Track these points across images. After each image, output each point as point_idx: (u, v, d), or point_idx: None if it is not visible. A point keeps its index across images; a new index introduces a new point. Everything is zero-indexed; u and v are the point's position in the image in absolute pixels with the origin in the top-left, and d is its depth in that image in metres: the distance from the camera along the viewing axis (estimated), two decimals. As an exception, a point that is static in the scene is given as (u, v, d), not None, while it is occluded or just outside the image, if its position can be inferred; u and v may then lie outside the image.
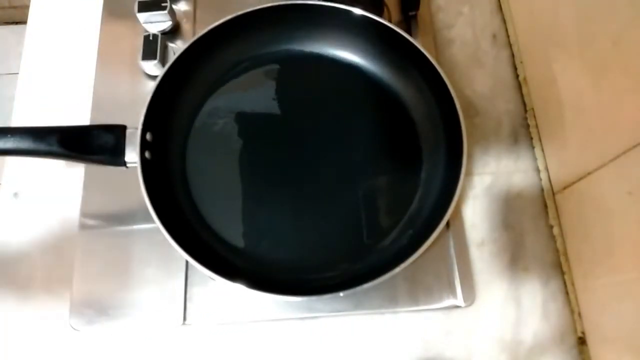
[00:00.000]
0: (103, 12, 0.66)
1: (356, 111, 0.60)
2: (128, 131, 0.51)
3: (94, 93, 0.61)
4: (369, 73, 0.62)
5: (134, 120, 0.51)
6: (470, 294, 0.53)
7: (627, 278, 0.44)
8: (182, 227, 0.50)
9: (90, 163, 0.51)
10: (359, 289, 0.47)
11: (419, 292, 0.53)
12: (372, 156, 0.58)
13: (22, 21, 0.90)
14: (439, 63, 0.55)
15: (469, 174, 0.59)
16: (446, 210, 0.49)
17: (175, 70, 0.55)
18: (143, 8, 0.61)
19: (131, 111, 0.53)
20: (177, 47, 0.63)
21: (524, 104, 0.62)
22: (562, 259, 0.55)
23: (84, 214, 0.56)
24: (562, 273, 0.55)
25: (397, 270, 0.47)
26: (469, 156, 0.55)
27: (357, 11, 0.57)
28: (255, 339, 0.52)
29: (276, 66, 0.61)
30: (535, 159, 0.60)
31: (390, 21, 0.59)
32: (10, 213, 0.57)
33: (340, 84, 0.61)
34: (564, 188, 0.54)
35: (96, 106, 0.61)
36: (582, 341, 0.52)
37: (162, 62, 0.60)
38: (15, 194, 0.58)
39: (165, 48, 0.62)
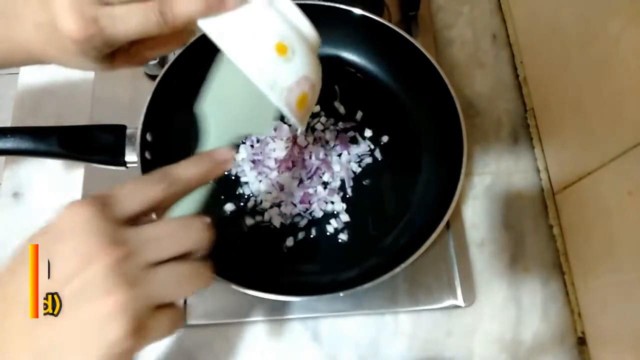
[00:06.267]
0: (103, 12, 0.66)
1: (355, 111, 0.60)
2: (128, 131, 0.51)
3: (94, 93, 0.61)
4: (369, 73, 0.62)
5: (134, 120, 0.51)
6: (470, 294, 0.53)
7: (627, 278, 0.44)
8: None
9: (91, 163, 0.51)
10: (359, 289, 0.47)
11: (419, 292, 0.53)
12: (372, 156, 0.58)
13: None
14: (439, 63, 0.55)
15: (469, 174, 0.59)
16: (446, 210, 0.49)
17: (175, 70, 0.55)
18: (143, 8, 0.61)
19: (131, 111, 0.53)
20: (177, 47, 0.63)
21: (524, 104, 0.62)
22: (562, 259, 0.55)
23: (84, 214, 0.56)
24: (562, 273, 0.55)
25: (397, 270, 0.47)
26: (469, 156, 0.55)
27: (357, 11, 0.57)
28: (255, 339, 0.52)
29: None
30: (535, 159, 0.60)
31: (390, 21, 0.59)
32: (10, 213, 0.57)
33: (340, 84, 0.61)
34: (564, 188, 0.54)
35: (96, 106, 0.61)
36: (582, 341, 0.52)
37: (162, 62, 0.60)
38: (15, 194, 0.58)
39: (165, 48, 0.62)
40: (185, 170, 0.32)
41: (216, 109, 0.35)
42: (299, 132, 0.56)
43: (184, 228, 0.30)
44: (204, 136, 0.35)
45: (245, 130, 0.37)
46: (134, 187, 0.30)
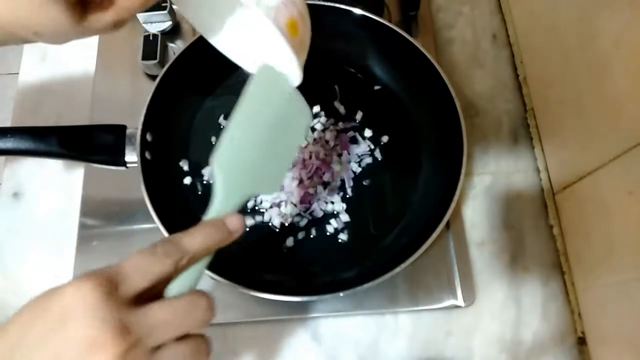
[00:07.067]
0: (103, 12, 0.66)
1: (355, 111, 0.60)
2: (128, 131, 0.51)
3: (94, 93, 0.61)
4: (369, 73, 0.62)
5: (134, 120, 0.51)
6: (470, 294, 0.53)
7: (627, 278, 0.44)
8: (182, 227, 0.50)
9: (91, 163, 0.51)
10: (359, 289, 0.47)
11: (419, 292, 0.53)
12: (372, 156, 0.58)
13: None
14: (439, 63, 0.55)
15: (469, 174, 0.59)
16: (446, 210, 0.49)
17: (175, 70, 0.55)
18: (143, 8, 0.61)
19: (131, 111, 0.53)
20: (177, 47, 0.63)
21: (524, 104, 0.62)
22: (562, 259, 0.55)
23: (84, 213, 0.56)
24: (562, 273, 0.55)
25: (397, 270, 0.47)
26: (469, 156, 0.55)
27: (357, 11, 0.57)
28: (255, 339, 0.52)
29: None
30: (535, 159, 0.60)
31: (390, 21, 0.59)
32: (10, 213, 0.57)
33: (340, 84, 0.61)
34: (564, 188, 0.54)
35: (96, 106, 0.61)
36: (582, 341, 0.52)
37: (162, 62, 0.60)
38: (15, 194, 0.58)
39: (165, 48, 0.62)
40: (194, 241, 0.31)
41: (227, 167, 0.35)
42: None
43: (190, 310, 0.29)
44: (213, 196, 0.35)
45: (254, 189, 0.37)
46: (141, 262, 0.29)
